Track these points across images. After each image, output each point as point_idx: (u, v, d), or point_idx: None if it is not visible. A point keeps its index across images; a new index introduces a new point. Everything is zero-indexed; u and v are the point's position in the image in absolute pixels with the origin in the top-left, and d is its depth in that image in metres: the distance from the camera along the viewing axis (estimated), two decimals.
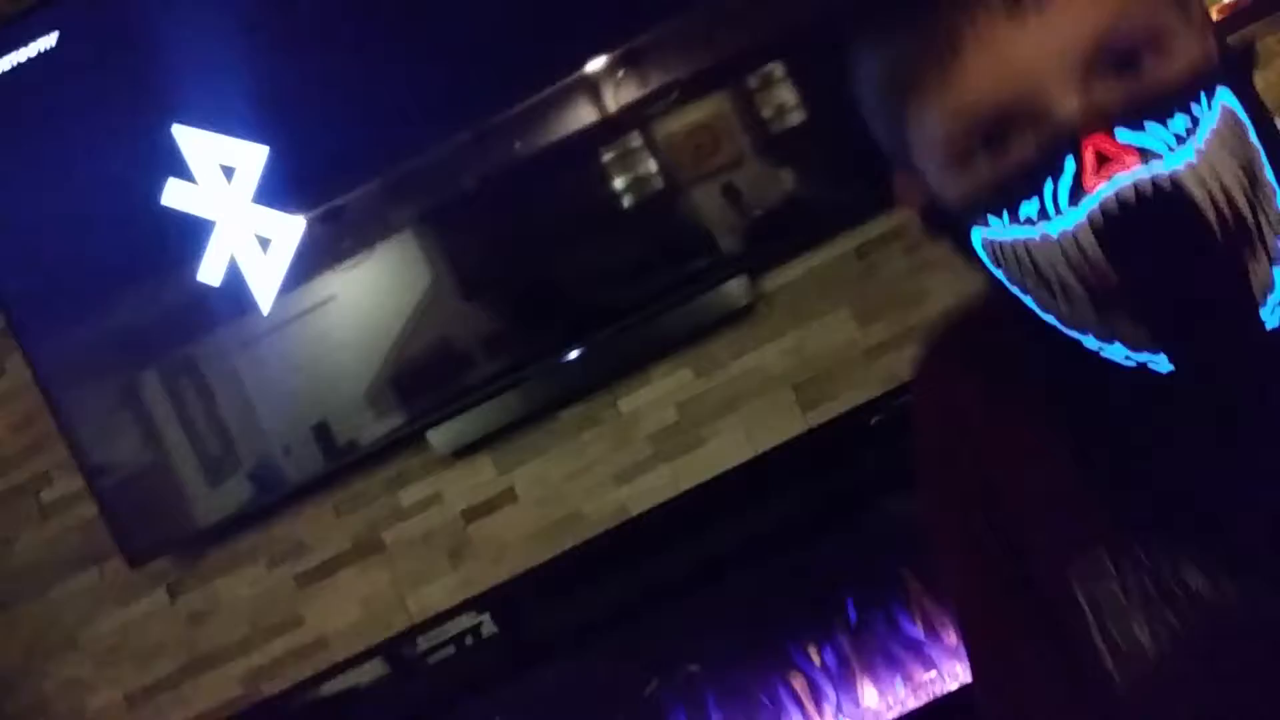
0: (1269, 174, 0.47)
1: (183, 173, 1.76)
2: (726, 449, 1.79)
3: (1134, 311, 0.47)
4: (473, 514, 1.82)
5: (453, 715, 1.83)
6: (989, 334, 0.57)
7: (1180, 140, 0.46)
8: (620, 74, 1.99)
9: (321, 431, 1.82)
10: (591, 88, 1.97)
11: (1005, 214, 0.49)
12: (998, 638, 0.60)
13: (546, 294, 1.92)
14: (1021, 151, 0.48)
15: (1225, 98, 0.47)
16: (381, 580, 1.81)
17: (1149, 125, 0.46)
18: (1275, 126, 0.50)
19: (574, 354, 1.81)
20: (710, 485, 1.78)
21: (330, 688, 1.84)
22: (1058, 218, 0.47)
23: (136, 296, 1.80)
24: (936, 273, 1.78)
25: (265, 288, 1.77)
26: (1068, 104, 0.46)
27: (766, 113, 2.05)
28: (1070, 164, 0.46)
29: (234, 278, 1.77)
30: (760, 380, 1.79)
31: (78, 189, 1.80)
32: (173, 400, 1.87)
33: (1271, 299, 0.46)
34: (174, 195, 1.76)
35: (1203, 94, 0.47)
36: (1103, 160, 0.45)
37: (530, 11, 1.88)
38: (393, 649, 1.81)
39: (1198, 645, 0.51)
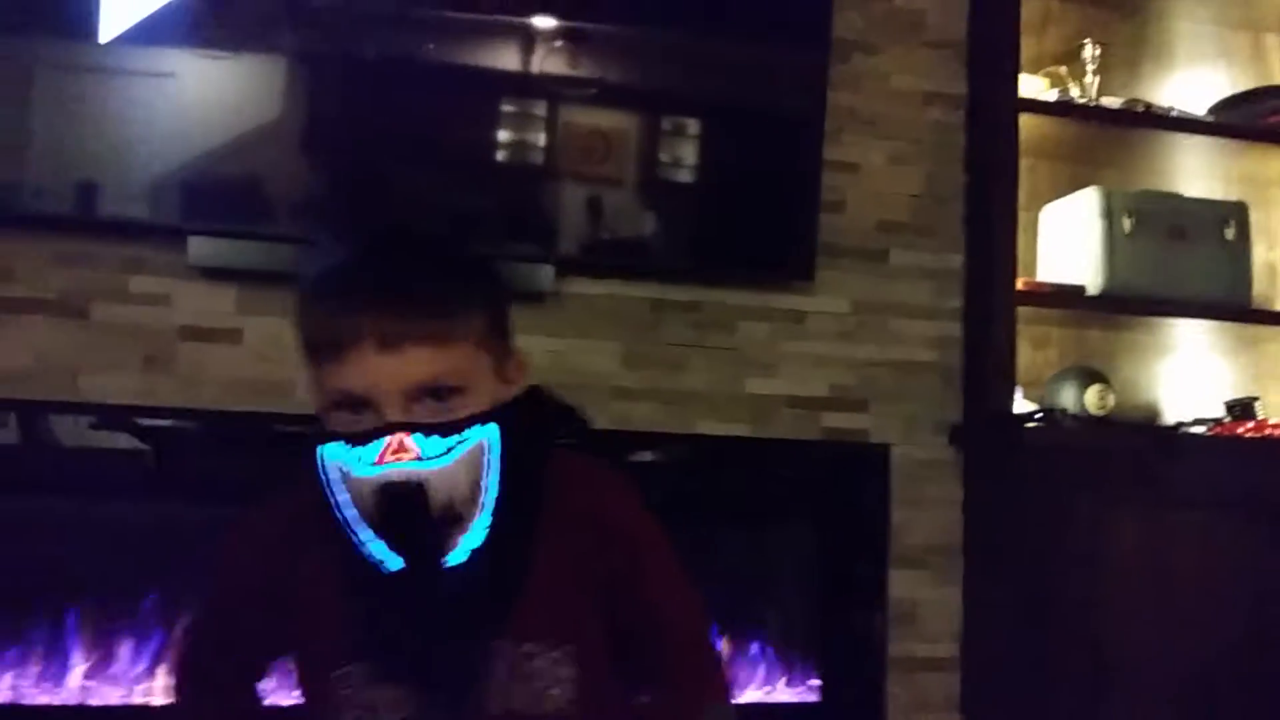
0: (487, 481, 0.82)
1: None
2: None
3: (384, 536, 0.81)
4: (190, 334, 1.76)
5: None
6: (305, 512, 0.86)
7: (448, 451, 0.79)
8: (559, 43, 2.00)
9: (87, 186, 1.73)
10: (526, 37, 1.97)
11: (346, 450, 0.80)
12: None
13: (369, 187, 1.89)
14: (366, 422, 0.80)
15: (489, 433, 0.82)
16: (67, 343, 1.72)
17: (431, 438, 0.79)
18: (535, 452, 0.87)
19: None
20: None
21: None
22: (362, 467, 0.79)
23: None
24: (705, 353, 1.93)
25: (116, 18, 1.68)
26: (393, 410, 0.79)
27: (663, 157, 2.11)
28: (380, 444, 0.79)
29: None
30: None
31: None
32: None
33: (452, 555, 0.81)
34: None
35: (473, 429, 0.81)
36: (396, 450, 0.78)
37: None
38: (39, 413, 1.73)
39: None
